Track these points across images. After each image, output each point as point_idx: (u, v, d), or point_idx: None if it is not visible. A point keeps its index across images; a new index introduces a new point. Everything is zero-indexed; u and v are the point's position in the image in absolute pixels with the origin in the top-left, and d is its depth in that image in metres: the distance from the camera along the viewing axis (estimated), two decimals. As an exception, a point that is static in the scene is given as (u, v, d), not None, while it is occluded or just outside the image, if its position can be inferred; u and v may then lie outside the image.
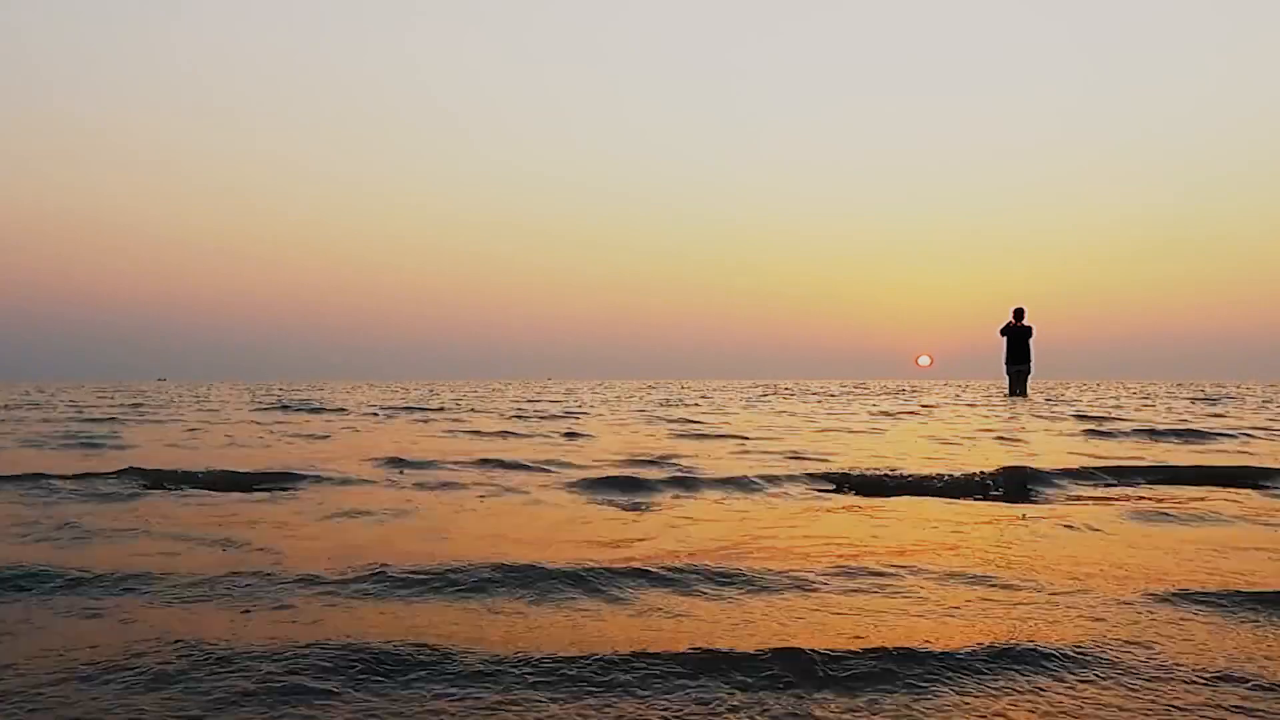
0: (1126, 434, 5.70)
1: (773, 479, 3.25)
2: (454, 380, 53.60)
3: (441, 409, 9.61)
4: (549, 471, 3.58)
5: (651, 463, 3.87)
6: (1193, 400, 12.55)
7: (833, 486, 3.18)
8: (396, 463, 3.80)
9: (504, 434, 5.73)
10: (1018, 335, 14.59)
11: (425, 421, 7.31)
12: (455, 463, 3.83)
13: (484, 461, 3.85)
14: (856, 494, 3.05)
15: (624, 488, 3.12)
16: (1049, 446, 4.79)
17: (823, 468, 3.62)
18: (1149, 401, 12.26)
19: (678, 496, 2.94)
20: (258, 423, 7.03)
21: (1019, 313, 14.60)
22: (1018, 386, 14.81)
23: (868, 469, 3.55)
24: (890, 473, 3.40)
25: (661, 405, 10.89)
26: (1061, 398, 14.05)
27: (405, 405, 10.69)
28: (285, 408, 9.83)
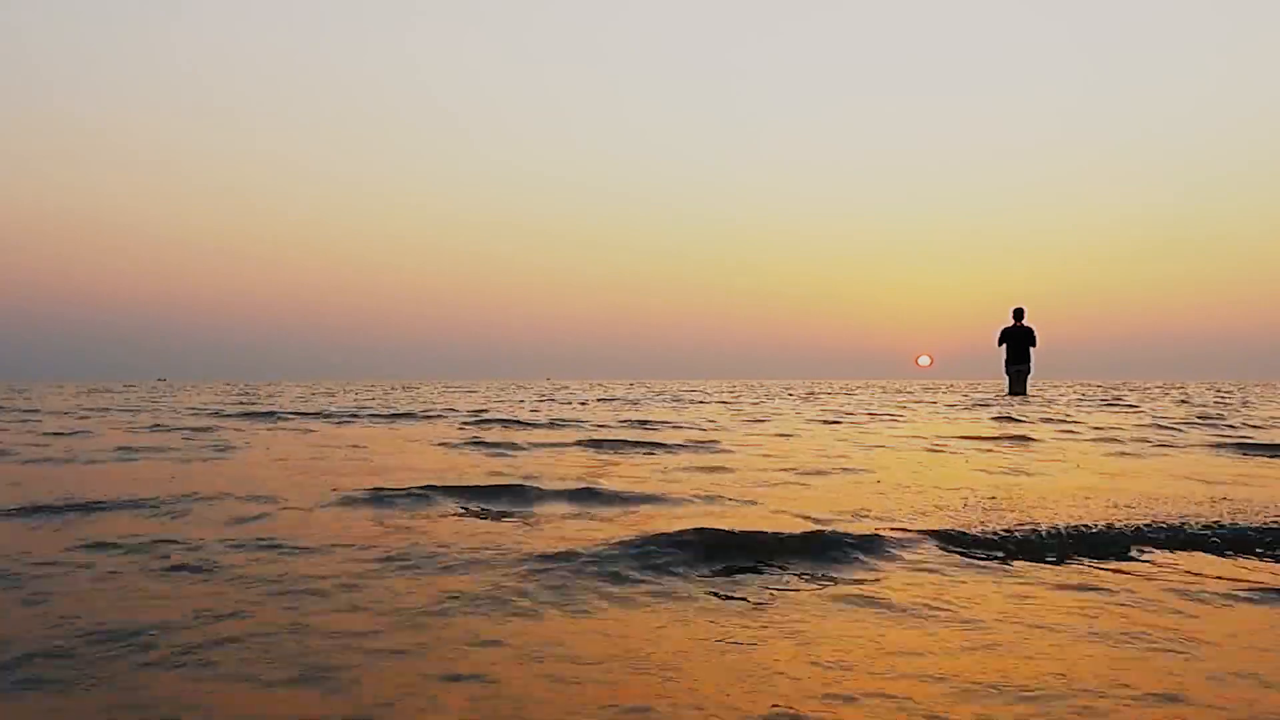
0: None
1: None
2: (451, 380, 52.94)
3: (419, 413, 9.14)
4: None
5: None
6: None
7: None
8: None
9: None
10: (1017, 336, 14.25)
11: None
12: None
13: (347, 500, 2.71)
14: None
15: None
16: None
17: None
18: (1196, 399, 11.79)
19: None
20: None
21: (1019, 313, 14.24)
22: (1017, 386, 14.46)
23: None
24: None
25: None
26: (1115, 400, 13.62)
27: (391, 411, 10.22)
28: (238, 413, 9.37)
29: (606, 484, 3.10)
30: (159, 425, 6.81)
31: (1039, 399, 13.53)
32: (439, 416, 8.23)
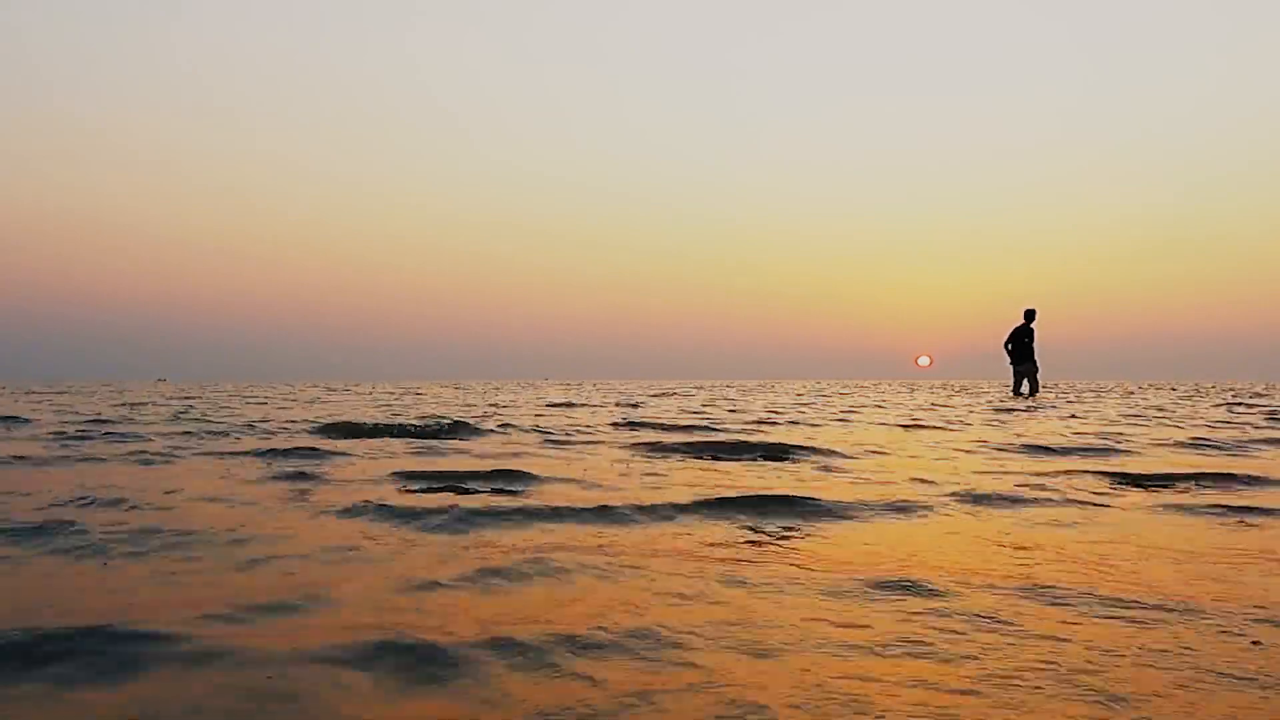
0: None
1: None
2: (448, 380, 52.35)
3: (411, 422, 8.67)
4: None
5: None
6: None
7: None
8: None
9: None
10: (1018, 336, 14.40)
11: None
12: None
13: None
14: None
15: None
16: None
17: None
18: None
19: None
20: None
21: (1029, 314, 14.34)
22: (1020, 385, 14.60)
23: None
24: None
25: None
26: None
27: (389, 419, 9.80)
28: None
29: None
30: None
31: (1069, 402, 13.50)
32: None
